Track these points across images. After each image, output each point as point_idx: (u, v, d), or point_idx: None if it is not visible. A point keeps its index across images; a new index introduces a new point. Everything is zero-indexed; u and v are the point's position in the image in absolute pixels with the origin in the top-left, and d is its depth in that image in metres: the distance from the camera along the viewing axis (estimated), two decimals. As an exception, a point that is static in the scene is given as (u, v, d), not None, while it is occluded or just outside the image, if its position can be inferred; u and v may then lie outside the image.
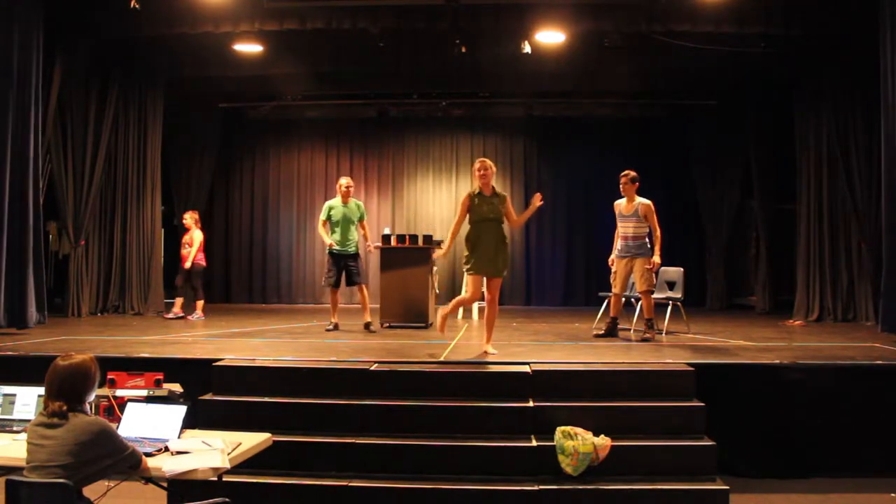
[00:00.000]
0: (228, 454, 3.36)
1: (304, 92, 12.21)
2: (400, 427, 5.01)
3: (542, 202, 6.24)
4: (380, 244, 8.63)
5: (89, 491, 3.10)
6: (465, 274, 6.36)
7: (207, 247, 13.39)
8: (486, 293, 6.27)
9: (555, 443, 4.75)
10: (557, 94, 12.42)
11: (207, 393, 5.28)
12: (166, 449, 3.39)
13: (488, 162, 6.24)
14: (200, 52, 10.10)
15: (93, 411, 3.29)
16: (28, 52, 7.82)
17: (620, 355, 6.28)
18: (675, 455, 4.83)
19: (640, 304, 7.68)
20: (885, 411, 5.52)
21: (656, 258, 7.08)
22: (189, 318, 9.41)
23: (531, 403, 5.10)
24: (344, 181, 8.22)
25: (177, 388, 4.38)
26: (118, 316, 10.04)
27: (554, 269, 13.18)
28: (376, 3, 8.77)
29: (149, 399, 4.04)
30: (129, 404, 3.72)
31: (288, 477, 4.70)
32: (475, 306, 10.12)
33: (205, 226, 13.21)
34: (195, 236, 9.62)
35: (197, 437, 3.60)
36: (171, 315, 9.53)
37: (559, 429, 4.78)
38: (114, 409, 3.96)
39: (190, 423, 3.72)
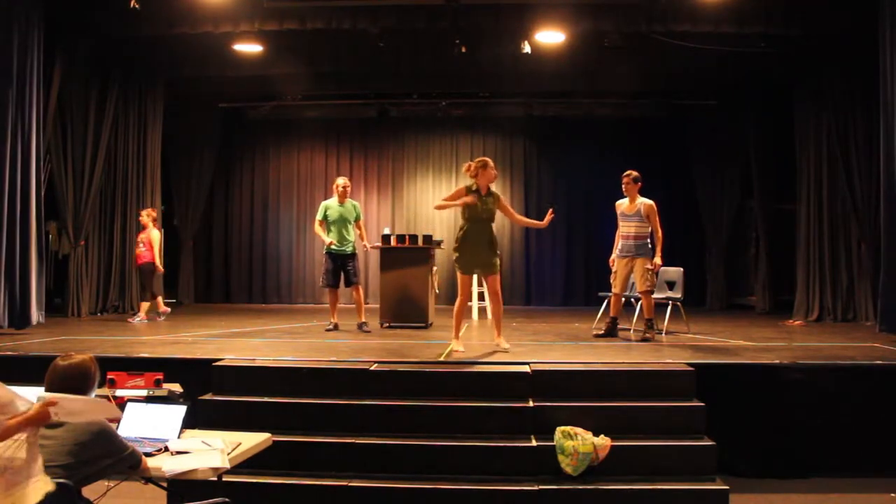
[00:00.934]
0: (228, 454, 3.36)
1: (304, 92, 12.22)
2: (400, 427, 5.01)
3: (553, 217, 6.39)
4: (378, 244, 8.62)
5: (89, 491, 3.09)
6: (457, 273, 6.30)
7: (208, 247, 13.55)
8: (486, 290, 6.30)
9: (555, 443, 4.74)
10: (557, 94, 12.42)
11: (207, 393, 5.27)
12: (166, 449, 3.39)
13: (492, 162, 6.30)
14: (200, 52, 10.11)
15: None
16: (28, 52, 7.83)
17: (620, 355, 6.28)
18: (675, 455, 4.82)
19: (640, 303, 7.69)
20: (885, 411, 5.52)
21: (657, 259, 7.07)
22: (130, 321, 9.01)
23: (531, 403, 5.09)
24: (341, 181, 8.18)
25: (177, 388, 4.38)
26: (118, 316, 10.04)
27: (554, 269, 13.19)
28: (376, 3, 8.77)
29: (149, 399, 4.05)
30: (129, 404, 3.72)
31: (288, 477, 4.69)
32: (475, 306, 10.16)
33: (204, 226, 13.33)
34: (152, 235, 9.19)
35: (197, 437, 3.59)
36: (160, 317, 9.26)
37: (559, 429, 4.78)
38: (114, 410, 3.95)
39: (190, 423, 3.72)
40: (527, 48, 9.42)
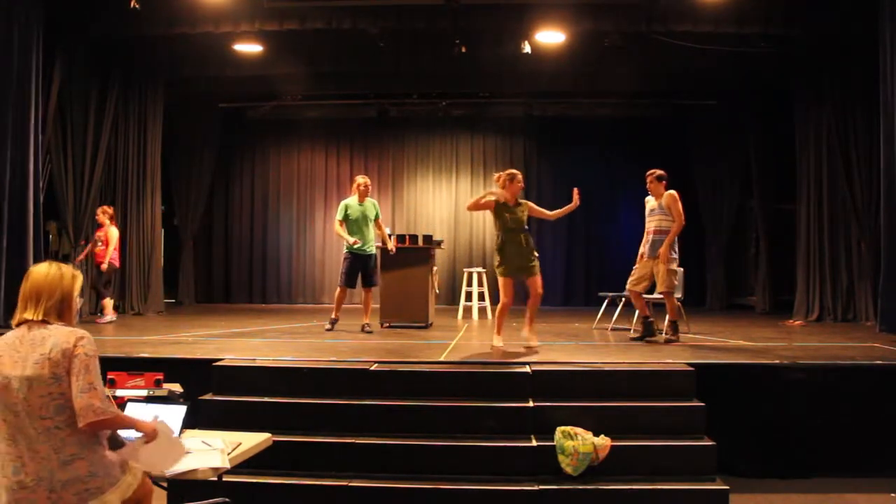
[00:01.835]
0: (228, 454, 3.36)
1: (304, 92, 12.22)
2: (400, 427, 5.01)
3: (579, 199, 6.67)
4: (395, 244, 8.29)
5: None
6: (499, 277, 6.56)
7: (208, 247, 13.55)
8: (531, 291, 6.60)
9: (555, 443, 4.74)
10: (557, 94, 12.42)
11: (207, 393, 5.27)
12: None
13: (520, 175, 6.54)
14: (200, 52, 10.11)
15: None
16: (28, 52, 7.83)
17: (620, 355, 6.27)
18: (675, 455, 4.82)
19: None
20: (885, 411, 5.51)
21: (662, 248, 6.76)
22: (99, 321, 8.85)
23: (531, 403, 5.09)
24: (362, 179, 7.98)
25: (177, 388, 4.37)
26: (118, 316, 10.03)
27: (554, 269, 13.16)
28: (376, 3, 8.77)
29: (149, 399, 4.04)
30: (129, 404, 3.72)
31: (288, 477, 4.69)
32: (475, 307, 10.17)
33: (204, 226, 13.33)
34: (110, 234, 9.03)
35: (197, 437, 3.60)
36: (105, 319, 8.95)
37: (559, 429, 4.78)
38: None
39: (190, 423, 3.72)
40: (527, 48, 9.42)
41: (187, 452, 3.15)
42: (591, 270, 12.77)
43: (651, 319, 7.19)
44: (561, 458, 4.69)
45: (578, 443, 4.68)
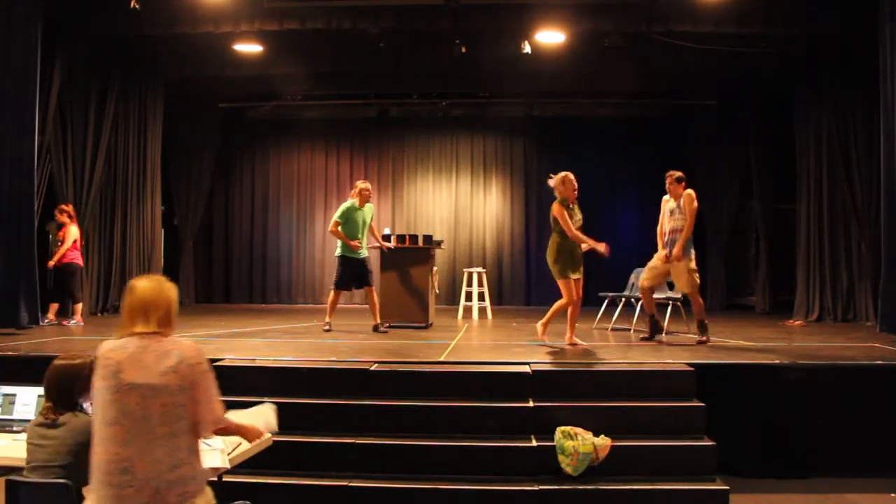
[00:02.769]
0: (228, 454, 3.35)
1: (304, 92, 12.22)
2: (400, 427, 5.01)
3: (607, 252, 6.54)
4: (391, 245, 8.40)
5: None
6: (564, 280, 6.50)
7: (208, 247, 13.55)
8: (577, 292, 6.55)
9: (555, 443, 4.74)
10: (557, 94, 12.42)
11: (207, 393, 5.27)
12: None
13: (572, 175, 6.54)
14: (200, 52, 10.11)
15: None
16: (28, 52, 7.82)
17: (620, 355, 6.28)
18: (675, 455, 4.82)
19: (640, 304, 7.68)
20: (885, 411, 5.52)
21: (676, 249, 6.80)
22: (65, 323, 8.58)
23: (531, 403, 5.09)
24: (364, 185, 7.95)
25: (177, 388, 4.36)
26: (118, 316, 10.01)
27: (554, 269, 13.17)
28: (376, 3, 8.77)
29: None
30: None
31: (288, 477, 4.70)
32: (475, 307, 10.17)
33: (204, 226, 13.33)
34: (70, 232, 8.74)
35: (197, 437, 3.58)
36: (45, 322, 8.47)
37: (559, 429, 4.78)
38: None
39: (190, 423, 3.70)
40: (527, 48, 9.42)
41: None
42: (591, 271, 12.70)
43: (657, 318, 7.18)
44: (561, 458, 4.69)
45: (578, 443, 4.68)
